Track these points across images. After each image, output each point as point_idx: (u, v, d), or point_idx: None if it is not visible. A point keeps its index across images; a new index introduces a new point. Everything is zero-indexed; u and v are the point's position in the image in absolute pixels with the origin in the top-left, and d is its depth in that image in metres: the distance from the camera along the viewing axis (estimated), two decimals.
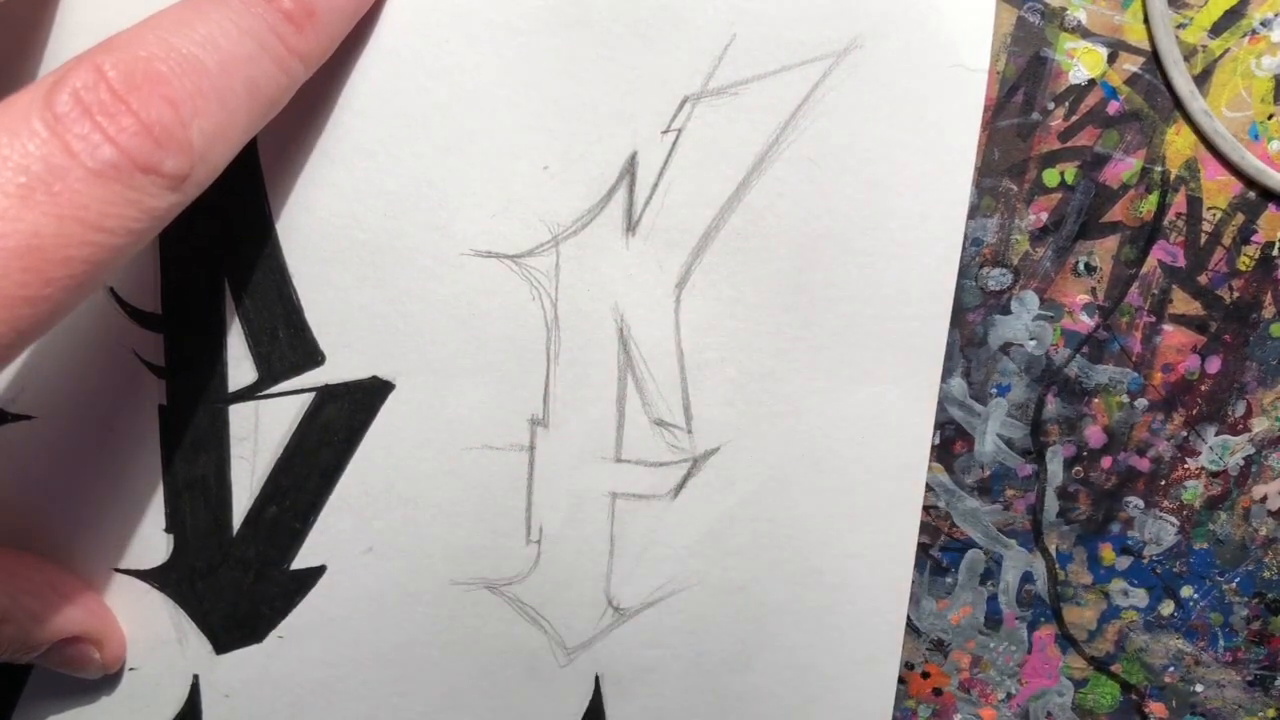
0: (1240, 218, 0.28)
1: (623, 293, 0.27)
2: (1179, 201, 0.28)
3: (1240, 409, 0.30)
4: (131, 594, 0.28)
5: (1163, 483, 0.30)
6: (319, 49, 0.23)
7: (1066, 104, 0.27)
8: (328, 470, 0.28)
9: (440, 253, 0.27)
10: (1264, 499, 0.30)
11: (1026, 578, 0.31)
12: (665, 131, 0.26)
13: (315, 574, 0.29)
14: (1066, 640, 0.32)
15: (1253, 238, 0.28)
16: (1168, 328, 0.29)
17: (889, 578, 0.30)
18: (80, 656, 0.27)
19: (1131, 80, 0.27)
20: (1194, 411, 0.30)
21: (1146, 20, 0.27)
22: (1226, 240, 0.28)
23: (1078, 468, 0.30)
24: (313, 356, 0.27)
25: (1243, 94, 0.27)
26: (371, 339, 0.27)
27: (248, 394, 0.27)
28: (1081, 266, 0.28)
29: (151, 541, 0.28)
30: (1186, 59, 0.27)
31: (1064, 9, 0.27)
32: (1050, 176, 0.28)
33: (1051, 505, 0.30)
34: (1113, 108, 0.27)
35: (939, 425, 0.29)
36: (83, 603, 0.27)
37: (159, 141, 0.20)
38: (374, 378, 0.27)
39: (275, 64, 0.22)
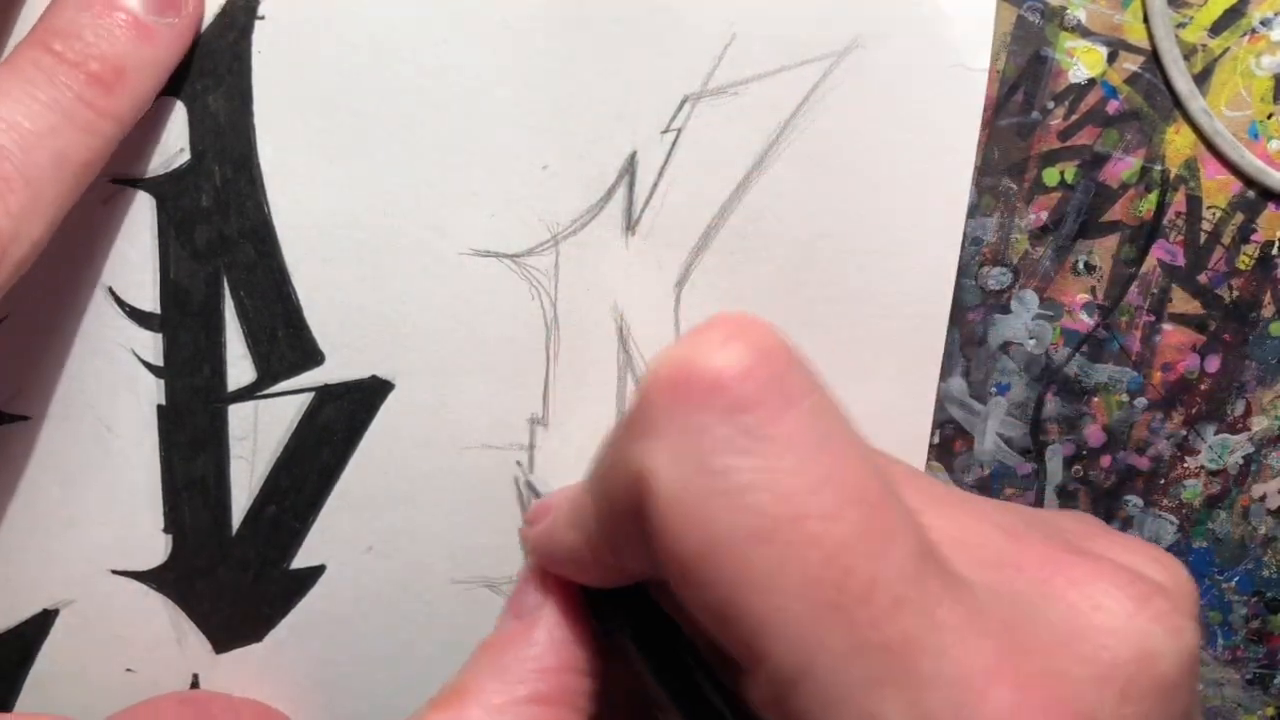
0: (1240, 217, 0.28)
1: (622, 292, 0.27)
2: (1178, 201, 0.28)
3: (1239, 408, 0.30)
4: (130, 594, 0.28)
5: (1162, 482, 0.30)
6: (132, 106, 0.23)
7: (1066, 103, 0.27)
8: (327, 470, 0.28)
9: (440, 253, 0.27)
10: (1263, 498, 0.31)
11: None
12: (665, 131, 0.26)
13: (315, 574, 0.29)
14: None
15: (1252, 237, 0.28)
16: (1167, 327, 0.29)
17: None
18: None
19: (1131, 79, 0.27)
20: (1193, 410, 0.30)
21: (1146, 19, 0.27)
22: (1226, 239, 0.28)
23: (1077, 466, 0.30)
24: (312, 356, 0.27)
25: (1242, 93, 0.27)
26: (371, 339, 0.27)
27: (247, 394, 0.27)
28: (1081, 265, 0.28)
29: (150, 542, 0.28)
30: (1186, 58, 0.27)
31: (1064, 8, 0.27)
32: (1050, 175, 0.28)
33: (1051, 504, 0.30)
34: (1112, 107, 0.27)
35: (938, 424, 0.29)
36: None
37: None
38: (374, 377, 0.27)
39: (83, 131, 0.22)
